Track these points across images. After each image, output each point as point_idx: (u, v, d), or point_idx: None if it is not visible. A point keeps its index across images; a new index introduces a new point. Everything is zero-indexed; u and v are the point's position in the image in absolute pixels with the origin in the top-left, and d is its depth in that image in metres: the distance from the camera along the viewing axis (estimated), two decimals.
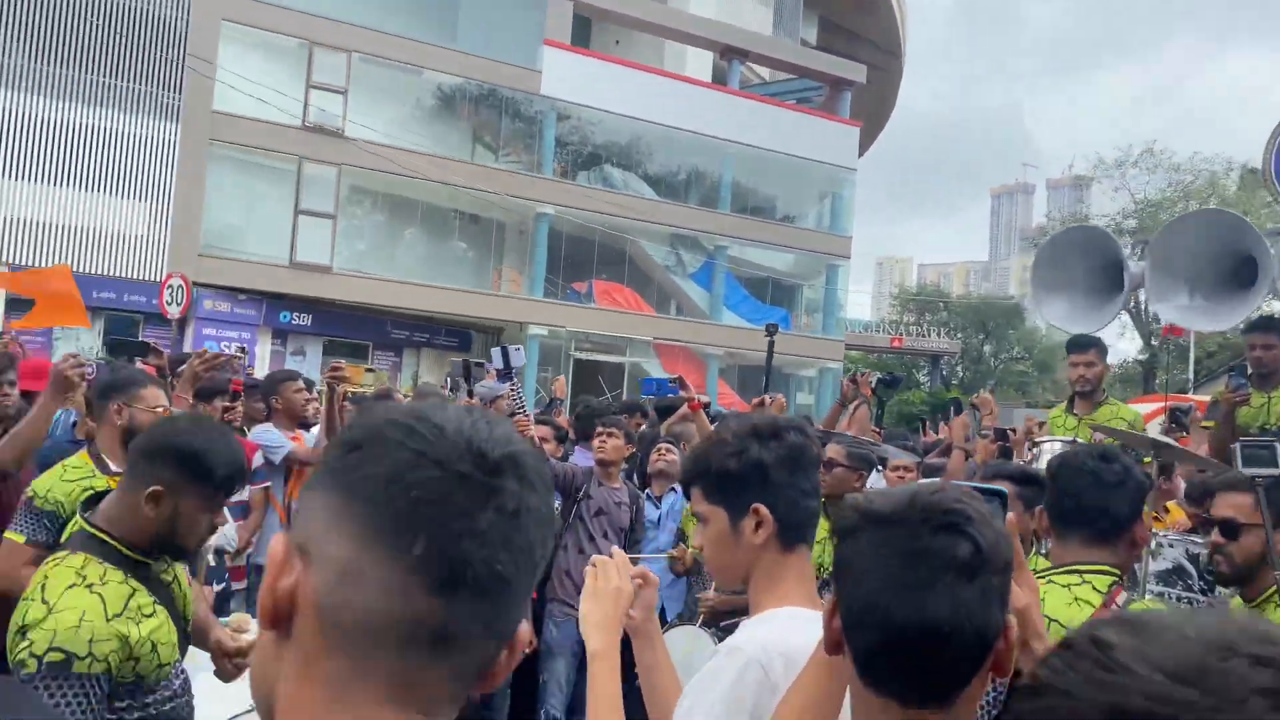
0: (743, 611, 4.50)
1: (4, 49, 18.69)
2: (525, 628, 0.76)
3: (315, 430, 5.24)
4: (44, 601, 1.99)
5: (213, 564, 4.37)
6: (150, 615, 2.11)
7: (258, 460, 4.95)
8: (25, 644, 1.92)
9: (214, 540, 4.13)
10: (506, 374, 5.01)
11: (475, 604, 0.70)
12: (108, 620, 2.00)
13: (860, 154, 30.05)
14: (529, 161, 25.24)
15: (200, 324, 19.91)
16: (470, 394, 4.74)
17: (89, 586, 2.03)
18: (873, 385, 6.63)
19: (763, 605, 1.71)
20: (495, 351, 5.07)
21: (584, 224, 24.81)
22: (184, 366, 4.30)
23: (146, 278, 19.75)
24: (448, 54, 23.24)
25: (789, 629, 1.59)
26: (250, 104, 20.24)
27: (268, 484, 5.02)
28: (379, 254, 23.79)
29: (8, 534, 3.04)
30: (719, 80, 28.37)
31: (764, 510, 1.70)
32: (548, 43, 24.23)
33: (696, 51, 28.30)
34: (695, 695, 1.57)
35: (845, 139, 28.45)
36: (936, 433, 8.84)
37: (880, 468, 5.49)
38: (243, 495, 4.81)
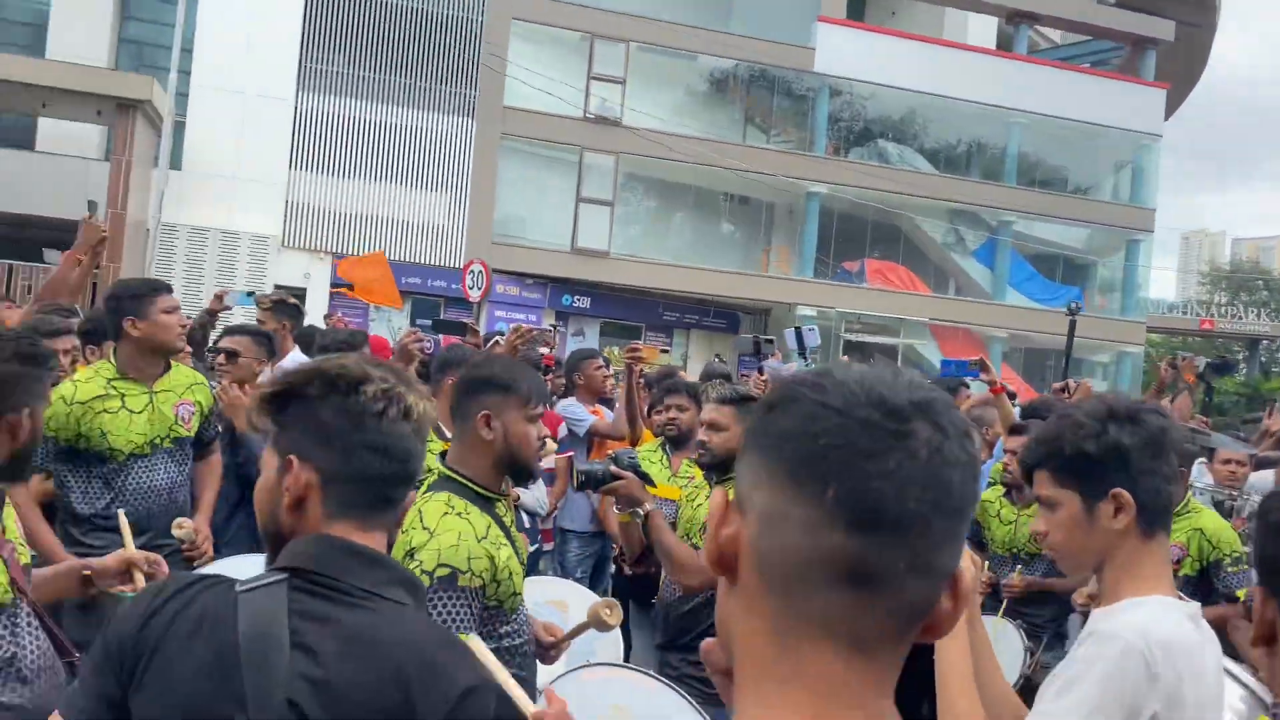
0: (1045, 597, 4.23)
1: (329, 59, 20.86)
2: (968, 571, 0.78)
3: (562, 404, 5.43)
4: (424, 528, 2.27)
5: (527, 525, 4.70)
6: (503, 546, 2.36)
7: (562, 431, 5.27)
8: (415, 564, 2.20)
9: (528, 503, 4.44)
10: (800, 354, 5.01)
11: (891, 542, 0.73)
12: (478, 541, 2.27)
13: (1165, 118, 27.40)
14: (800, 140, 25.03)
15: (493, 306, 21.35)
16: (760, 370, 4.79)
17: (459, 514, 2.31)
18: (1198, 370, 6.05)
19: (1122, 593, 1.63)
20: (788, 332, 5.08)
21: (856, 201, 24.30)
22: (490, 342, 4.66)
23: (446, 264, 21.45)
24: (722, 38, 23.46)
25: (1164, 618, 1.50)
26: (537, 98, 21.42)
27: (571, 453, 5.33)
28: (652, 238, 24.49)
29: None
30: (1004, 47, 26.80)
31: (1125, 495, 1.64)
32: (822, 19, 23.86)
33: (979, 18, 26.86)
34: (1063, 683, 1.51)
35: (1149, 103, 26.04)
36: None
37: (1206, 460, 5.03)
38: (549, 464, 5.14)
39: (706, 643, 0.93)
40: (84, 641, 2.32)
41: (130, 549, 2.47)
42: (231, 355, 4.12)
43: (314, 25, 20.74)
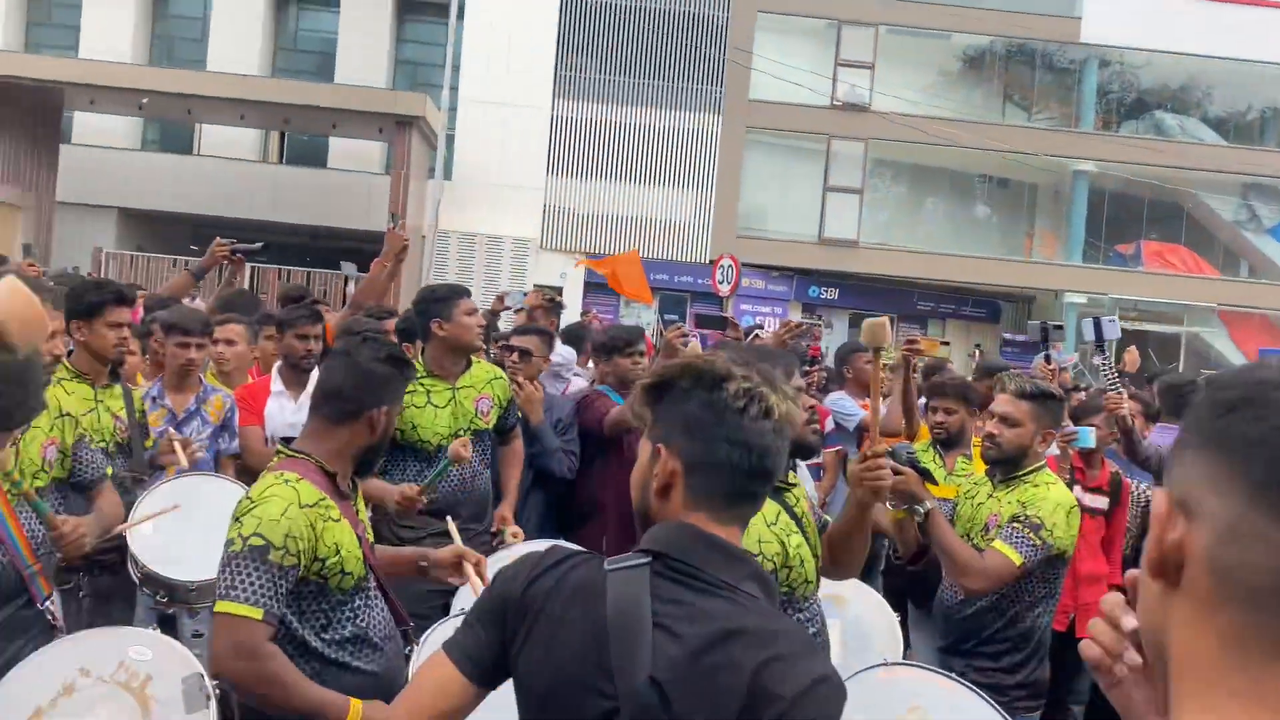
0: None
1: (582, 66, 21.71)
2: None
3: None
4: None
5: None
6: (793, 533, 2.43)
7: (829, 425, 5.22)
8: None
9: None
10: (1099, 346, 4.70)
11: None
12: (768, 526, 2.38)
13: None
14: (1064, 116, 23.48)
15: (739, 300, 21.47)
16: (1048, 359, 4.54)
17: None
18: None
19: None
20: (1085, 322, 4.78)
21: (1131, 179, 22.47)
22: (751, 336, 4.68)
23: (692, 259, 21.79)
24: (977, 14, 22.36)
25: None
26: (782, 89, 21.31)
27: (839, 447, 5.28)
28: (902, 225, 23.76)
29: None
30: None
31: None
32: None
33: None
34: None
35: None
36: None
37: None
38: (816, 458, 5.10)
39: (1087, 644, 0.90)
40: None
41: (459, 545, 2.68)
42: (524, 354, 4.37)
43: (567, 35, 21.65)
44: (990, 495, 3.42)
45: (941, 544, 3.13)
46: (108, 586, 3.40)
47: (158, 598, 3.27)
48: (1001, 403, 3.37)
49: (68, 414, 2.97)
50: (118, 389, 3.54)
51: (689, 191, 22.15)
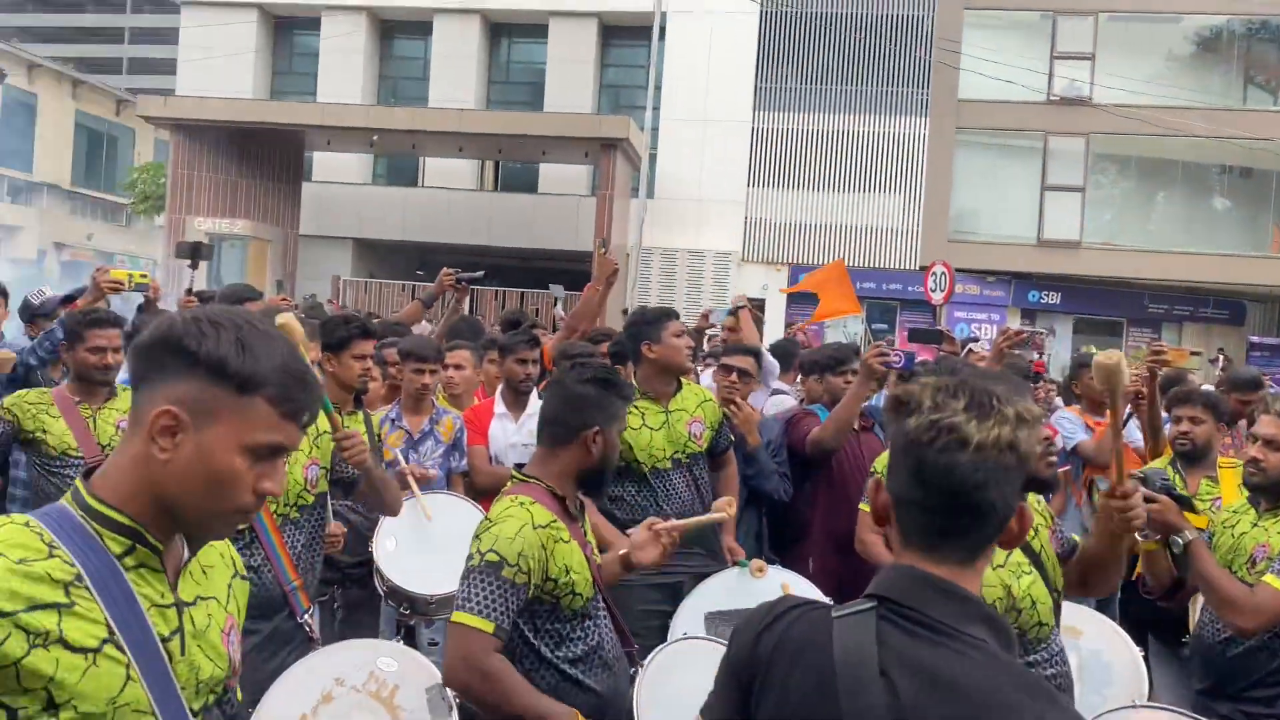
0: None
1: (782, 77, 21.62)
2: None
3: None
4: None
5: None
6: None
7: (1058, 442, 4.95)
8: None
9: None
10: None
11: None
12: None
13: None
14: None
15: (952, 308, 20.67)
16: None
17: None
18: None
19: None
20: None
21: None
22: (965, 349, 4.49)
23: (900, 267, 21.20)
24: None
25: None
26: (994, 87, 20.41)
27: (1067, 467, 5.00)
28: (1129, 223, 22.18)
29: None
30: None
31: None
32: None
33: None
34: None
35: None
36: None
37: None
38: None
39: None
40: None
41: (646, 521, 2.78)
42: (744, 374, 4.37)
43: (767, 48, 21.62)
44: (1255, 524, 3.14)
45: (1205, 578, 2.91)
46: (357, 599, 3.68)
47: (400, 609, 3.51)
48: (1266, 425, 3.09)
49: (324, 433, 3.24)
50: (359, 415, 3.83)
51: (896, 196, 21.59)
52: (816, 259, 20.55)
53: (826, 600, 3.27)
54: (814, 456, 4.39)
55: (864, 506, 3.55)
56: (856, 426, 4.46)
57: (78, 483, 1.28)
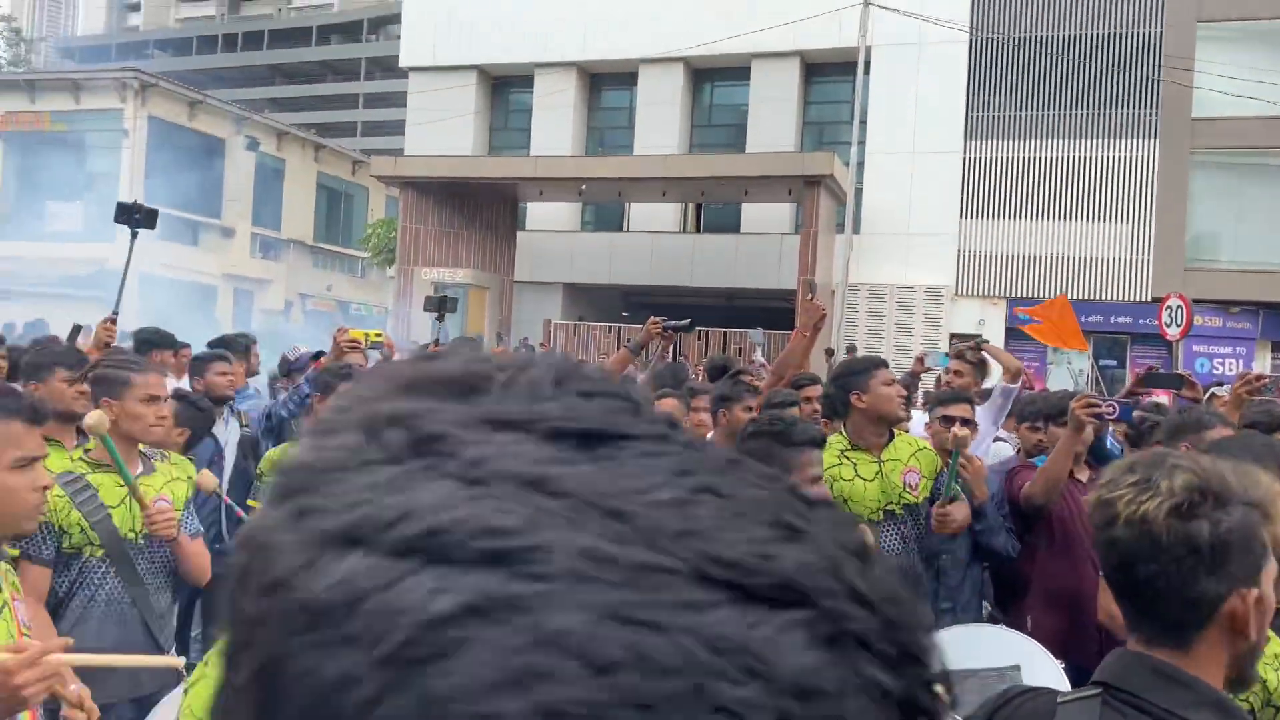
0: None
1: (994, 104, 20.82)
2: None
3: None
4: None
5: None
6: None
7: None
8: None
9: None
10: None
11: None
12: None
13: None
14: None
15: (1190, 342, 19.11)
16: None
17: None
18: None
19: None
20: None
21: None
22: (1208, 394, 4.10)
23: (1130, 298, 19.83)
24: None
25: None
26: (1234, 104, 18.86)
27: None
28: None
29: None
30: None
31: None
32: None
33: None
34: None
35: None
36: None
37: None
38: None
39: None
40: None
41: None
42: (967, 423, 4.16)
43: (978, 75, 20.93)
44: None
45: None
46: None
47: None
48: None
49: None
50: None
51: (1122, 224, 20.27)
52: (1037, 292, 19.56)
53: (1055, 663, 3.07)
54: (1029, 511, 4.17)
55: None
56: (1085, 478, 4.19)
57: None
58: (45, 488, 2.08)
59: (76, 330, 5.61)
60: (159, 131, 24.96)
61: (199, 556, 3.30)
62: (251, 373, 6.46)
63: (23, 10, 72.54)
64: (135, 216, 5.04)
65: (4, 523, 2.00)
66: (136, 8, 68.72)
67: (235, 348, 5.83)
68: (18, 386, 3.51)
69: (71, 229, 24.14)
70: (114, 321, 5.02)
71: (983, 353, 6.16)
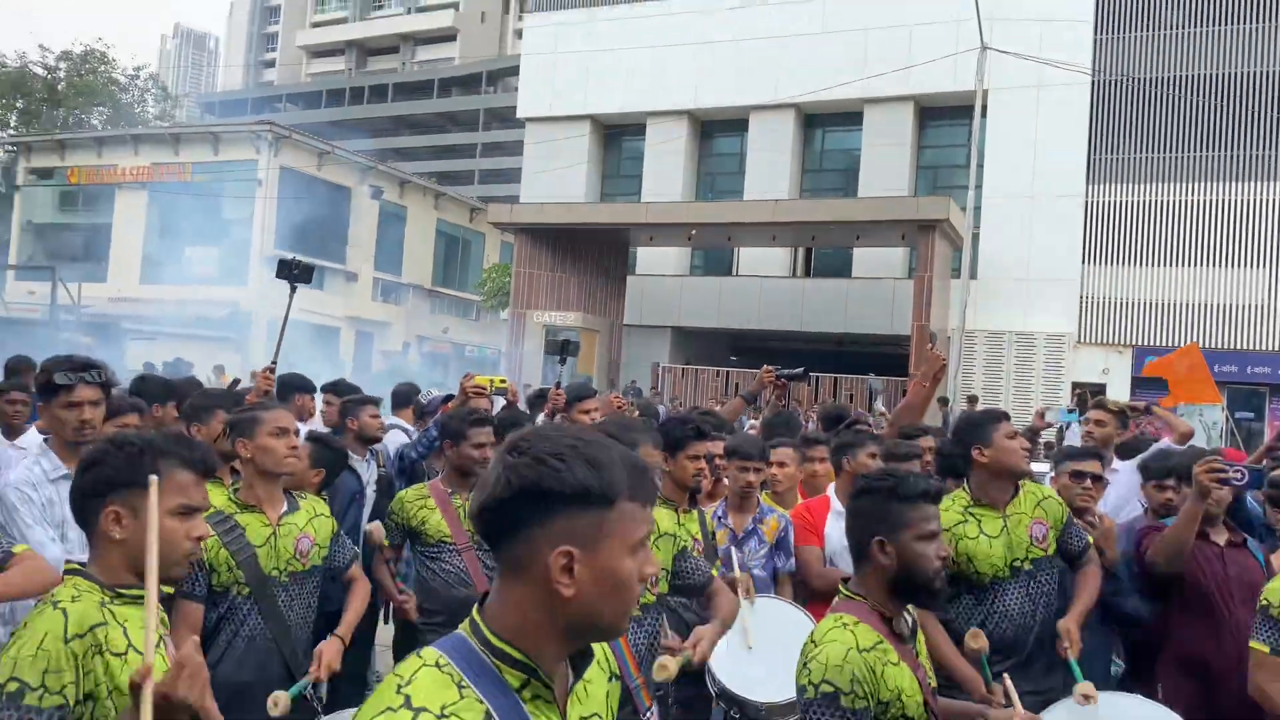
0: None
1: (1118, 147, 20.20)
2: None
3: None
4: None
5: None
6: None
7: None
8: None
9: None
10: None
11: None
12: None
13: None
14: None
15: None
16: None
17: None
18: None
19: None
20: None
21: None
22: None
23: (1269, 349, 18.84)
24: None
25: None
26: None
27: None
28: None
29: None
30: None
31: None
32: None
33: None
34: None
35: None
36: None
37: None
38: None
39: None
40: None
41: (1018, 709, 2.57)
42: (1098, 480, 4.02)
43: (1101, 117, 20.38)
44: None
45: None
46: (690, 696, 3.76)
47: (730, 713, 3.54)
48: None
49: (666, 534, 3.38)
50: (694, 513, 3.94)
51: (1257, 269, 19.33)
52: (1165, 340, 18.81)
53: None
54: (1153, 572, 3.98)
55: (1256, 645, 3.14)
56: (1222, 542, 3.99)
57: (476, 616, 1.42)
58: (200, 538, 2.18)
59: (235, 381, 5.93)
60: (290, 180, 26.26)
61: (361, 584, 3.55)
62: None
63: (169, 67, 77.49)
64: (294, 271, 5.34)
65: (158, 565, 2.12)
66: (271, 64, 72.70)
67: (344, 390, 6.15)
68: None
69: (207, 273, 25.51)
70: (273, 370, 5.32)
71: (1138, 407, 5.96)
